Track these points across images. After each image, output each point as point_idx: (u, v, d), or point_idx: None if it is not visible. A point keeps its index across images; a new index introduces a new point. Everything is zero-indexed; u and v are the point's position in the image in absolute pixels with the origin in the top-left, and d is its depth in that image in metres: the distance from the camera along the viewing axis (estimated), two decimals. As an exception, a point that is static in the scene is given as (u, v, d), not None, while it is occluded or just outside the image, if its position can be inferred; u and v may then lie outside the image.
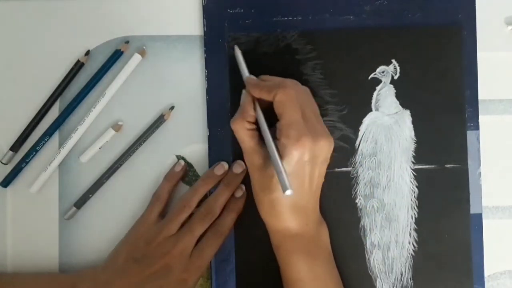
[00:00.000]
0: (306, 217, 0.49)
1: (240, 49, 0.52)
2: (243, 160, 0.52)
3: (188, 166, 0.54)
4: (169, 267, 0.50)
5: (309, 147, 0.46)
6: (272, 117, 0.48)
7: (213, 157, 0.54)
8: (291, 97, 0.47)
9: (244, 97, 0.50)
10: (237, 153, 0.53)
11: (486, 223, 0.53)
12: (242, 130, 0.49)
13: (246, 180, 0.53)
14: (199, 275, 0.51)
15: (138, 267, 0.50)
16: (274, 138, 0.48)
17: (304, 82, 0.53)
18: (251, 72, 0.52)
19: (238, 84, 0.53)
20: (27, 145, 0.54)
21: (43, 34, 0.55)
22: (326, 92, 0.54)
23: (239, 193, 0.53)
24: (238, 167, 0.53)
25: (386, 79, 0.54)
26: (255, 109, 0.49)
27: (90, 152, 0.54)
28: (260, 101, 0.49)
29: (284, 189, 0.44)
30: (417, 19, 0.54)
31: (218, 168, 0.53)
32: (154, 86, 0.55)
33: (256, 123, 0.49)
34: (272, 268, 0.52)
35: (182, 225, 0.51)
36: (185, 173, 0.54)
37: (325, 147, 0.48)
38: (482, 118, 0.54)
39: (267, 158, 0.48)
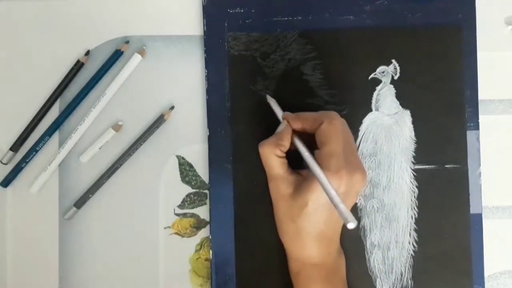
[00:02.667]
0: (329, 247, 0.49)
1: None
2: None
3: (188, 166, 0.54)
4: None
5: (345, 180, 0.46)
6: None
7: (213, 157, 0.54)
8: (337, 128, 0.47)
9: (283, 127, 0.50)
10: (237, 153, 0.53)
11: (486, 223, 0.53)
12: (272, 157, 0.49)
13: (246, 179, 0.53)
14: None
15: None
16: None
17: (304, 82, 0.53)
18: (249, 73, 0.52)
19: (238, 84, 0.54)
20: (27, 145, 0.54)
21: (43, 34, 0.55)
22: (326, 92, 0.54)
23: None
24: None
25: (386, 79, 0.54)
26: (293, 142, 0.48)
27: (90, 152, 0.54)
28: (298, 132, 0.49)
29: (347, 221, 0.43)
30: (417, 19, 0.54)
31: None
32: (154, 86, 0.55)
33: (286, 153, 0.49)
34: (272, 270, 0.53)
35: None
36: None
37: (359, 181, 0.47)
38: (482, 118, 0.54)
39: (297, 187, 0.48)
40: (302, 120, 0.49)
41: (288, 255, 0.51)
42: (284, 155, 0.49)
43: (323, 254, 0.49)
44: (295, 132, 0.49)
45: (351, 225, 0.43)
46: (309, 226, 0.47)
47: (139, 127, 0.55)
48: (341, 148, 0.46)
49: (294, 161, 0.49)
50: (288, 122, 0.49)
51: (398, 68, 0.54)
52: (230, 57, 0.54)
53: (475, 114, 0.54)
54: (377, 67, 0.54)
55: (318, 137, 0.47)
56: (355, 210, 0.54)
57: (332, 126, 0.47)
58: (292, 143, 0.49)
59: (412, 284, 0.53)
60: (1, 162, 0.54)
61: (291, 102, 0.54)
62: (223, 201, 0.53)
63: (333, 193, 0.44)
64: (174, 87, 0.55)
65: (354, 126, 0.54)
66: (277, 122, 0.51)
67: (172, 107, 0.55)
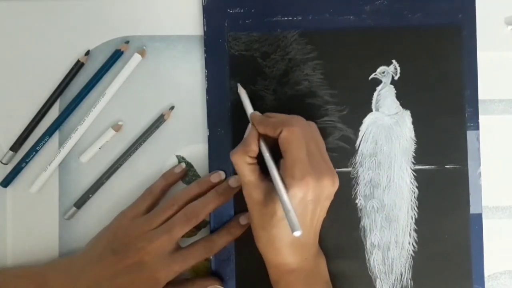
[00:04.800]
0: (305, 252, 0.49)
1: (243, 87, 0.52)
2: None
3: (188, 166, 0.54)
4: (142, 264, 0.49)
5: (313, 186, 0.45)
6: (276, 153, 0.47)
7: (213, 157, 0.54)
8: (296, 135, 0.46)
9: (249, 131, 0.49)
10: (237, 153, 0.53)
11: (486, 223, 0.53)
12: (243, 164, 0.48)
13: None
14: (172, 278, 0.50)
15: (114, 258, 0.49)
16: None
17: (304, 82, 0.53)
18: (249, 73, 0.52)
19: (238, 84, 0.54)
20: (27, 145, 0.54)
21: (43, 34, 0.55)
22: (326, 92, 0.54)
23: (244, 221, 0.52)
24: (234, 181, 0.52)
25: (386, 80, 0.54)
26: (259, 145, 0.48)
27: (90, 152, 0.54)
28: (265, 138, 0.49)
29: (294, 229, 0.43)
30: (417, 19, 0.54)
31: (214, 176, 0.53)
32: (154, 86, 0.55)
33: (257, 157, 0.49)
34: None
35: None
36: (184, 176, 0.54)
37: (328, 186, 0.47)
38: (482, 118, 0.54)
39: (267, 194, 0.47)
40: (265, 125, 0.48)
41: (266, 262, 0.50)
42: (254, 161, 0.49)
43: (299, 260, 0.48)
44: (262, 135, 0.49)
45: (297, 233, 0.43)
46: (280, 234, 0.47)
47: (139, 127, 0.55)
48: (303, 154, 0.46)
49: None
50: (253, 125, 0.49)
51: (398, 68, 0.54)
52: (230, 57, 0.54)
53: (475, 114, 0.54)
54: (377, 67, 0.54)
55: (280, 146, 0.47)
56: (355, 210, 0.54)
57: (291, 133, 0.46)
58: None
59: (412, 284, 0.53)
60: (1, 162, 0.54)
61: (291, 102, 0.54)
62: (223, 201, 0.53)
63: (285, 198, 0.44)
64: (174, 87, 0.55)
65: (354, 126, 0.54)
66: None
67: (172, 107, 0.55)
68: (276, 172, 0.46)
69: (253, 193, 0.48)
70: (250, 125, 0.50)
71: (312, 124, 0.50)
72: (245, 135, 0.50)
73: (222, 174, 0.53)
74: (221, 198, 0.52)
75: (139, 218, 0.51)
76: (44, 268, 0.51)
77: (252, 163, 0.48)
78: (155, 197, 0.53)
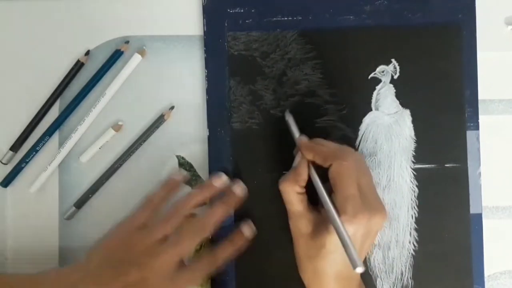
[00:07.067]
0: (349, 286, 0.48)
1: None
2: (246, 182, 0.52)
3: (188, 166, 0.54)
4: (145, 281, 0.45)
5: (364, 223, 0.44)
6: (324, 176, 0.47)
7: (213, 157, 0.54)
8: (347, 170, 0.45)
9: (298, 159, 0.48)
10: (237, 154, 0.53)
11: (486, 223, 0.53)
12: (292, 193, 0.47)
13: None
14: None
15: (113, 273, 0.45)
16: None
17: (304, 82, 0.53)
18: (249, 73, 0.53)
19: (238, 84, 0.54)
20: (27, 145, 0.54)
21: (43, 34, 0.55)
22: (326, 92, 0.54)
23: (247, 232, 0.51)
24: (238, 189, 0.51)
25: (386, 79, 0.54)
26: (309, 174, 0.47)
27: (90, 152, 0.54)
28: (313, 163, 0.48)
29: (355, 265, 0.42)
30: (417, 19, 0.54)
31: (216, 180, 0.51)
32: (154, 86, 0.55)
33: (306, 186, 0.48)
34: (272, 269, 0.52)
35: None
36: (185, 182, 0.54)
37: (379, 223, 0.46)
38: (482, 118, 0.54)
39: (316, 225, 0.46)
40: (315, 153, 0.47)
41: None
42: (303, 190, 0.48)
43: None
44: (312, 163, 0.48)
45: (359, 269, 0.42)
46: (327, 267, 0.46)
47: (139, 127, 0.55)
48: (355, 190, 0.45)
49: (316, 196, 0.47)
50: (302, 151, 0.48)
51: (397, 67, 0.54)
52: (230, 57, 0.54)
53: (475, 114, 0.54)
54: (377, 66, 0.54)
55: (330, 178, 0.46)
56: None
57: (342, 168, 0.45)
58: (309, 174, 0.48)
59: (412, 283, 0.53)
60: (1, 162, 0.54)
61: (291, 102, 0.54)
62: (223, 201, 0.53)
63: (344, 235, 0.43)
64: (174, 87, 0.55)
65: (354, 125, 0.54)
66: (276, 125, 0.51)
67: (172, 107, 0.55)
68: (331, 206, 0.45)
69: (301, 224, 0.47)
70: (299, 152, 0.49)
71: (362, 157, 0.49)
72: (294, 163, 0.49)
73: (224, 177, 0.52)
74: (228, 209, 0.51)
75: (140, 230, 0.48)
76: (33, 279, 0.47)
77: (301, 193, 0.48)
78: (155, 207, 0.50)
